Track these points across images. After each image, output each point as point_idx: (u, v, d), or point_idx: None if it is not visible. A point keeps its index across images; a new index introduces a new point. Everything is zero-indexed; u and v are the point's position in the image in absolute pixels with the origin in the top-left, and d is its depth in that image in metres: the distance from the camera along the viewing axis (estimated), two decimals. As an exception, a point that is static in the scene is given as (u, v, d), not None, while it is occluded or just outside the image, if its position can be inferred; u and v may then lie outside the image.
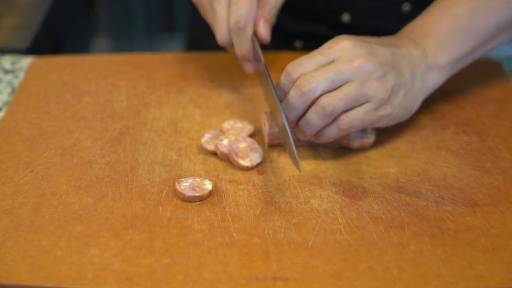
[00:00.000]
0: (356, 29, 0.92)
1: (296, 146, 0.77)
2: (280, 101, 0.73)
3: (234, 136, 0.77)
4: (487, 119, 0.82)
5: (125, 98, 0.86)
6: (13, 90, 0.88)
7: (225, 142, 0.76)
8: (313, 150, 0.77)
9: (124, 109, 0.84)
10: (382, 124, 0.74)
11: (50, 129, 0.80)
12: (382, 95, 0.71)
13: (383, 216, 0.68)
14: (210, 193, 0.70)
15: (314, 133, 0.72)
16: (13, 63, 0.94)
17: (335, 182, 0.72)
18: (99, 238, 0.65)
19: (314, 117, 0.70)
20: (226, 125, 0.80)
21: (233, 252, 0.63)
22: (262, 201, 0.70)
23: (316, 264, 0.62)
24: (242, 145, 0.75)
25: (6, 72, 0.92)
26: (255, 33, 0.80)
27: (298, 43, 1.02)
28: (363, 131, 0.76)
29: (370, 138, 0.76)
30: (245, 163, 0.73)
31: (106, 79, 0.90)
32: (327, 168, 0.74)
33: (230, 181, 0.72)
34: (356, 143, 0.76)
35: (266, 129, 0.77)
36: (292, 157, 0.69)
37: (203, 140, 0.77)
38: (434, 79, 0.77)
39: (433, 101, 0.83)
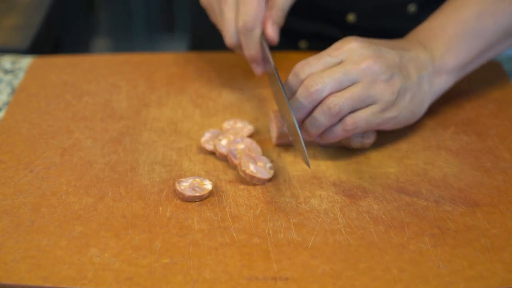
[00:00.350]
0: (361, 29, 0.92)
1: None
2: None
3: (233, 136, 0.77)
4: (487, 119, 0.82)
5: (125, 98, 0.86)
6: (13, 90, 0.88)
7: (223, 142, 0.76)
8: (313, 150, 0.77)
9: (124, 109, 0.84)
10: (387, 126, 0.74)
11: (50, 129, 0.80)
12: (388, 97, 0.71)
13: (383, 216, 0.68)
14: (210, 193, 0.70)
15: (319, 133, 0.72)
16: (13, 63, 0.94)
17: (335, 182, 0.72)
18: (99, 238, 0.65)
19: (320, 117, 0.70)
20: (226, 125, 0.80)
21: (233, 252, 0.63)
22: (262, 201, 0.70)
23: (316, 264, 0.62)
24: (241, 146, 0.75)
25: (6, 72, 0.92)
26: (264, 35, 0.80)
27: (303, 43, 1.02)
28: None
29: (371, 138, 0.76)
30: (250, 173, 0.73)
31: (106, 79, 0.90)
32: (327, 168, 0.74)
33: (230, 181, 0.72)
34: (356, 143, 0.76)
35: (274, 128, 0.77)
36: (302, 153, 0.69)
37: (203, 139, 0.77)
38: (441, 83, 0.78)
39: (433, 101, 0.83)
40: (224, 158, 0.75)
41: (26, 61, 0.94)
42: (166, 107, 0.85)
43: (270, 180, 0.72)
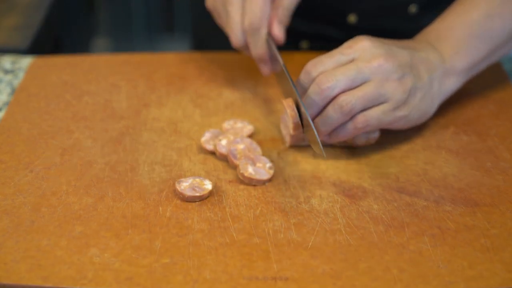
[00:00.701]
0: (362, 30, 0.92)
1: (298, 146, 0.78)
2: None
3: (233, 136, 0.77)
4: (487, 119, 0.82)
5: (125, 98, 0.86)
6: (13, 90, 0.88)
7: (223, 142, 0.76)
8: (313, 150, 0.77)
9: (124, 109, 0.84)
10: (398, 125, 0.74)
11: (50, 129, 0.80)
12: (400, 96, 0.72)
13: (383, 216, 0.68)
14: (210, 193, 0.70)
15: (330, 131, 0.72)
16: (13, 63, 0.94)
17: (335, 182, 0.72)
18: (99, 238, 0.65)
19: (331, 115, 0.71)
20: (226, 125, 0.80)
21: (233, 252, 0.63)
22: (262, 201, 0.70)
23: (316, 264, 0.62)
24: (241, 146, 0.75)
25: (6, 72, 0.92)
26: (270, 34, 0.80)
27: (304, 44, 1.02)
28: None
29: (375, 133, 0.76)
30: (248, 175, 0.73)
31: (106, 79, 0.90)
32: (327, 168, 0.74)
33: (230, 181, 0.72)
34: (361, 140, 0.76)
35: (289, 120, 0.75)
36: (315, 144, 0.69)
37: (203, 139, 0.77)
38: (451, 84, 0.78)
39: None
40: (224, 158, 0.75)
41: (26, 61, 0.94)
42: (166, 107, 0.85)
43: (270, 180, 0.72)
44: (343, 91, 0.70)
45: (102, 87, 0.88)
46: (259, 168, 0.72)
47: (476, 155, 0.76)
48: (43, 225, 0.66)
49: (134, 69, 0.92)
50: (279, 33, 0.80)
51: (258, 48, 0.80)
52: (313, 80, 0.72)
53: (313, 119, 0.72)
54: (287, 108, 0.73)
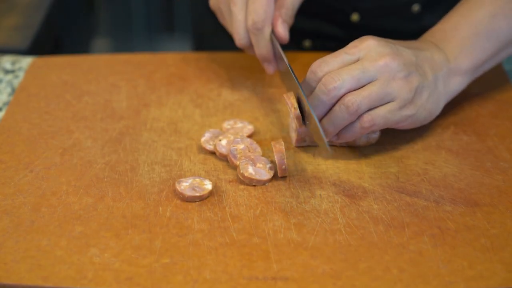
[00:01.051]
0: (365, 29, 0.92)
1: (299, 146, 0.78)
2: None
3: (233, 136, 0.77)
4: (486, 119, 0.82)
5: (125, 98, 0.86)
6: (13, 90, 0.88)
7: (223, 142, 0.76)
8: (313, 150, 0.77)
9: (124, 109, 0.84)
10: (405, 125, 0.74)
11: (50, 129, 0.80)
12: (406, 95, 0.72)
13: (383, 216, 0.68)
14: (210, 193, 0.70)
15: (337, 132, 0.72)
16: (13, 63, 0.94)
17: (335, 182, 0.72)
18: (99, 238, 0.65)
19: (338, 115, 0.71)
20: (226, 125, 0.81)
21: (233, 252, 0.63)
22: (262, 201, 0.70)
23: (316, 264, 0.62)
24: (241, 146, 0.75)
25: (6, 72, 0.92)
26: (274, 34, 0.80)
27: (307, 42, 1.02)
28: None
29: (376, 133, 0.76)
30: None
31: (106, 79, 0.90)
32: (327, 168, 0.74)
33: (230, 181, 0.72)
34: (362, 140, 0.76)
35: (293, 124, 0.75)
36: (320, 140, 0.69)
37: (203, 139, 0.77)
38: (456, 84, 0.78)
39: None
40: (224, 158, 0.75)
41: (26, 61, 0.94)
42: (166, 107, 0.85)
43: (270, 180, 0.72)
44: (349, 91, 0.70)
45: (102, 87, 0.88)
46: (259, 169, 0.72)
47: (476, 155, 0.77)
48: (43, 225, 0.66)
49: (134, 69, 0.92)
50: (283, 32, 0.80)
51: (262, 47, 0.80)
52: (319, 80, 0.72)
53: (320, 120, 0.72)
54: (288, 101, 0.73)
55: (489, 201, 0.70)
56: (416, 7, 0.96)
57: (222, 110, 0.84)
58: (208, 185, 0.70)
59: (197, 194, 0.69)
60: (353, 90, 0.70)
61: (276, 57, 0.81)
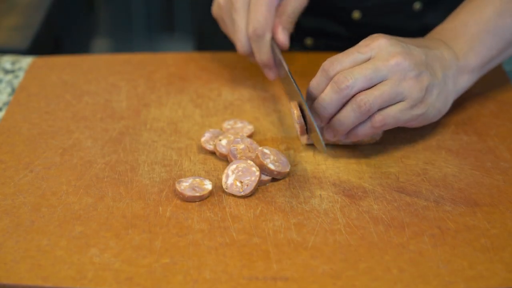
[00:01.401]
0: (366, 27, 0.92)
1: (303, 145, 0.78)
2: (314, 99, 0.73)
3: (233, 136, 0.77)
4: (487, 119, 0.82)
5: (125, 98, 0.86)
6: (13, 90, 0.88)
7: (223, 142, 0.76)
8: (313, 150, 0.77)
9: (124, 109, 0.84)
10: (415, 123, 0.74)
11: (50, 129, 0.80)
12: (417, 95, 0.72)
13: (383, 216, 0.68)
14: (210, 193, 0.70)
15: (347, 131, 0.72)
16: (13, 63, 0.94)
17: (335, 182, 0.72)
18: (99, 238, 0.65)
19: (349, 115, 0.71)
20: (226, 125, 0.81)
21: (233, 252, 0.63)
22: (262, 201, 0.70)
23: (316, 264, 0.62)
24: (241, 146, 0.75)
25: (6, 72, 0.92)
26: (274, 40, 0.81)
27: (308, 40, 1.02)
28: None
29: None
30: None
31: (106, 79, 0.90)
32: (327, 168, 0.74)
33: (230, 181, 0.72)
34: (366, 137, 0.76)
35: (297, 132, 0.76)
36: (317, 140, 0.70)
37: (203, 139, 0.77)
38: (464, 82, 0.78)
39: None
40: (224, 158, 0.75)
41: (26, 61, 0.94)
42: (166, 107, 0.85)
43: (288, 174, 0.73)
44: (361, 90, 0.70)
45: (102, 87, 0.88)
46: (277, 162, 0.72)
47: (476, 155, 0.76)
48: (43, 225, 0.66)
49: (134, 69, 0.92)
50: (283, 39, 0.81)
51: (263, 54, 0.81)
52: (330, 79, 0.72)
53: (330, 119, 0.73)
54: (293, 110, 0.74)
55: (489, 201, 0.70)
56: (417, 5, 0.96)
57: (222, 110, 0.84)
58: (208, 185, 0.70)
59: (197, 194, 0.69)
60: (365, 89, 0.71)
61: (277, 64, 0.82)
